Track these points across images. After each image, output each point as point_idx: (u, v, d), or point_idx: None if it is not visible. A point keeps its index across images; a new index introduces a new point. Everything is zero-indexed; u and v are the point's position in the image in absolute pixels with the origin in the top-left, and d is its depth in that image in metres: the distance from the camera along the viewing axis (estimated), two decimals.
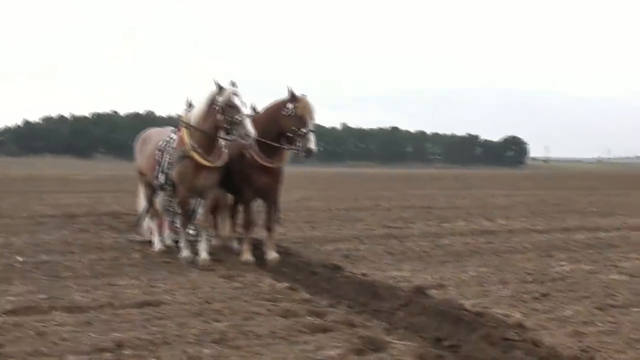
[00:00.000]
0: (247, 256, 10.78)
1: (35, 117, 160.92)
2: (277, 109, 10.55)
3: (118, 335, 6.36)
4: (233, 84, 10.32)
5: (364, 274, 9.60)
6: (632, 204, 25.13)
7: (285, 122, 10.33)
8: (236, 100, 10.11)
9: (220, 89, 10.21)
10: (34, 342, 6.17)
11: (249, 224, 11.08)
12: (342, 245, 12.92)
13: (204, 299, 8.03)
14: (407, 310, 7.41)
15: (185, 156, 10.53)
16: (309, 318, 7.20)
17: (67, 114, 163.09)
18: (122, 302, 7.80)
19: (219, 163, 10.64)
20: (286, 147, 10.56)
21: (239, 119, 9.97)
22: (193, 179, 10.58)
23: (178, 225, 11.87)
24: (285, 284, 9.02)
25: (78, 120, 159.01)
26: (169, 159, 10.91)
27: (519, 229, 15.91)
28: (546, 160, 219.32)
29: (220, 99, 10.14)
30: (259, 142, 10.39)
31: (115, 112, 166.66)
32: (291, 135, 10.32)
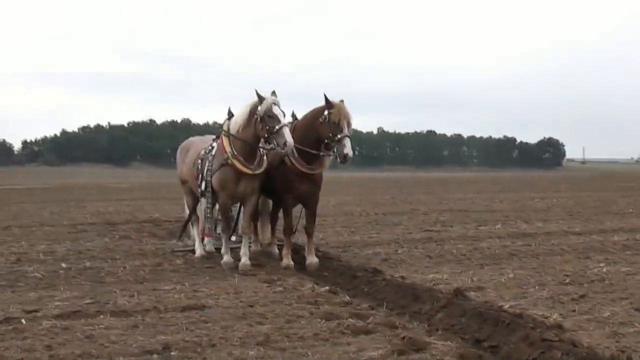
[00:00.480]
0: (288, 261, 10.92)
1: (73, 126, 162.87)
2: (313, 116, 10.70)
3: (164, 338, 6.54)
4: (273, 93, 10.47)
5: (403, 277, 9.67)
6: None
7: (322, 129, 10.45)
8: (275, 110, 10.23)
9: (261, 98, 10.34)
10: (83, 345, 6.37)
11: (289, 230, 11.18)
12: (381, 249, 13.03)
13: (246, 303, 8.18)
14: (446, 312, 7.49)
15: (225, 164, 10.69)
16: (351, 320, 7.31)
17: (104, 123, 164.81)
18: (166, 306, 7.98)
19: (259, 170, 10.77)
20: (322, 153, 10.66)
21: (278, 128, 10.07)
22: (234, 186, 10.75)
23: (219, 232, 12.16)
24: (326, 288, 9.17)
25: (115, 129, 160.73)
26: (209, 166, 11.05)
27: (556, 232, 15.86)
28: (583, 162, 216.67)
29: (260, 108, 10.27)
30: (299, 149, 10.53)
31: (152, 121, 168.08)
32: (328, 141, 10.42)
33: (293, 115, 11.29)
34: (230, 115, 11.29)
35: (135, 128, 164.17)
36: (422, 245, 13.67)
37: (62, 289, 9.14)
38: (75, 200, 28.62)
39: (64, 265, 11.03)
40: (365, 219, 19.29)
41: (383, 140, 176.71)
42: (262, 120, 10.24)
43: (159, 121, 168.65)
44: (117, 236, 15.17)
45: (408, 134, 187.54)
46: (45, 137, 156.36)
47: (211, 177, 11.01)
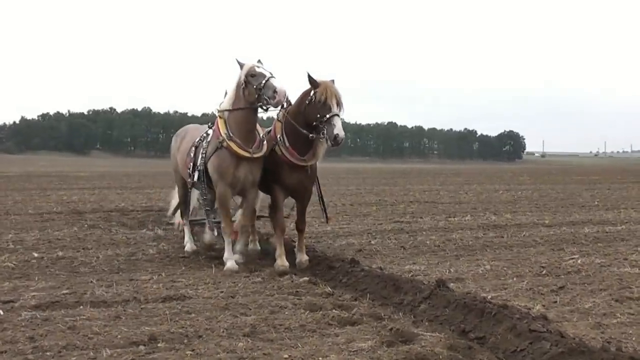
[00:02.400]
0: (283, 262, 9.92)
1: (32, 114, 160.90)
2: (301, 99, 9.92)
3: (149, 329, 6.44)
4: (259, 61, 9.87)
5: (381, 268, 9.62)
6: (634, 198, 25.19)
7: (309, 111, 9.67)
8: (259, 69, 9.63)
9: (241, 64, 9.80)
10: (66, 336, 6.23)
11: (280, 225, 10.35)
12: (354, 240, 13.01)
13: (227, 294, 8.11)
14: (430, 303, 7.47)
15: (221, 147, 9.86)
16: (335, 311, 7.27)
17: (64, 111, 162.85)
18: (146, 296, 7.88)
19: (259, 154, 9.92)
20: (310, 135, 9.71)
21: (264, 81, 9.44)
22: (231, 172, 9.81)
23: (209, 225, 11.01)
24: (305, 278, 9.10)
25: (75, 117, 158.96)
26: (204, 153, 10.20)
27: (526, 223, 15.99)
28: (543, 155, 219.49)
29: (242, 73, 9.72)
30: (289, 138, 9.98)
31: (112, 109, 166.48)
32: (317, 123, 9.58)
33: (287, 101, 10.16)
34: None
35: (96, 116, 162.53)
36: (395, 236, 13.68)
37: (36, 279, 8.98)
38: (37, 189, 28.11)
39: (35, 254, 10.80)
40: (333, 210, 19.23)
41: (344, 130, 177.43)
42: (247, 83, 9.62)
43: (119, 109, 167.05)
44: (86, 225, 14.94)
45: (369, 125, 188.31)
46: (4, 124, 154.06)
47: (205, 164, 10.15)
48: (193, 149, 10.62)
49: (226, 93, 10.38)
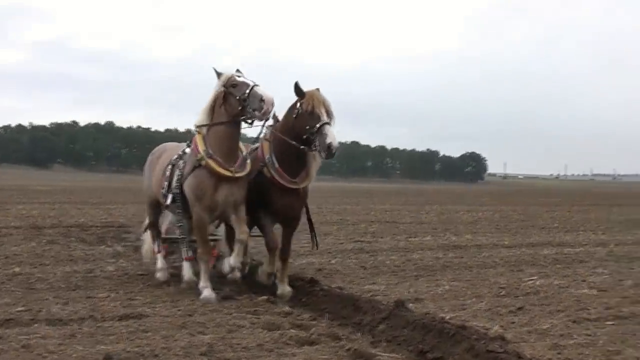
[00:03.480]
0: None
1: None
2: (288, 113, 9.17)
3: (105, 347, 6.33)
4: (238, 71, 9.04)
5: (340, 288, 9.64)
6: (593, 220, 25.64)
7: (298, 124, 8.88)
8: (240, 78, 8.79)
9: (219, 74, 8.98)
10: (20, 355, 6.12)
11: (273, 245, 9.50)
12: (314, 259, 12.96)
13: (185, 312, 8.03)
14: (389, 323, 7.46)
15: (199, 165, 8.89)
16: (293, 331, 7.24)
17: (26, 123, 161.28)
18: (103, 314, 7.76)
19: (241, 173, 8.96)
20: (302, 147, 8.88)
21: (248, 91, 8.55)
22: (210, 193, 8.82)
23: (185, 254, 9.91)
24: (264, 297, 9.04)
25: (37, 130, 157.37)
26: (180, 173, 9.25)
27: (486, 244, 16.14)
28: (504, 177, 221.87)
29: (219, 83, 8.90)
30: (279, 158, 9.15)
31: (75, 123, 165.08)
32: (308, 136, 8.79)
33: (274, 117, 9.40)
34: None
35: (58, 129, 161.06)
36: (355, 255, 13.69)
37: None
38: None
39: None
40: None
41: None
42: (227, 95, 8.78)
43: (82, 123, 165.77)
44: (45, 241, 14.72)
45: None
46: None
47: (181, 186, 9.19)
48: (169, 167, 9.58)
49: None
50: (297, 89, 8.95)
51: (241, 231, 9.03)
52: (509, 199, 48.91)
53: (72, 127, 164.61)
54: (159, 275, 10.23)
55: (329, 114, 8.86)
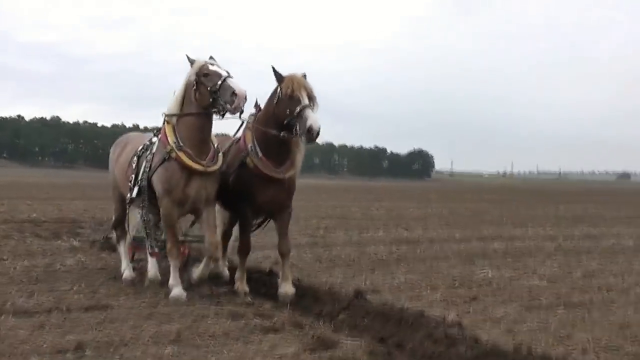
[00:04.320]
0: (242, 287, 9.04)
1: None
2: (269, 100, 8.79)
3: (75, 337, 6.46)
4: (211, 58, 8.65)
5: (299, 280, 9.81)
6: (540, 216, 26.36)
7: (278, 110, 8.49)
8: (212, 67, 8.39)
9: (191, 61, 8.56)
10: None
11: (245, 249, 9.22)
12: (270, 252, 13.01)
13: (149, 304, 8.16)
14: (349, 312, 7.75)
15: (168, 157, 8.50)
16: (257, 320, 7.46)
17: None
18: (68, 306, 7.84)
19: (213, 167, 8.63)
20: (282, 134, 8.44)
21: (220, 82, 8.17)
22: (181, 187, 8.47)
23: (150, 250, 9.43)
24: (225, 289, 9.21)
25: None
26: (147, 166, 8.82)
27: (437, 238, 16.54)
28: (451, 174, 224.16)
29: (191, 72, 8.49)
30: (262, 148, 8.75)
31: (20, 117, 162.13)
32: (288, 121, 8.38)
33: (256, 105, 9.13)
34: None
35: (3, 124, 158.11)
36: (310, 249, 13.88)
37: None
38: None
39: None
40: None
41: None
42: (199, 84, 8.37)
43: (27, 117, 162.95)
44: None
45: None
46: None
47: (148, 178, 8.78)
48: (135, 159, 9.15)
49: (174, 93, 9.01)
50: (276, 74, 8.60)
51: (211, 243, 8.78)
52: (456, 196, 49.68)
53: (17, 122, 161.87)
54: (125, 275, 9.77)
55: (311, 97, 8.41)
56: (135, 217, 9.75)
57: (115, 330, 6.82)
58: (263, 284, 9.63)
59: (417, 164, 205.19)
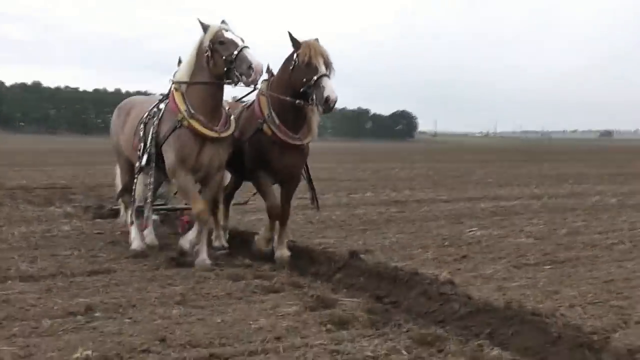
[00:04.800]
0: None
1: None
2: (284, 66, 8.67)
3: (83, 300, 6.66)
4: (223, 22, 8.37)
5: (293, 241, 9.99)
6: (525, 175, 26.67)
7: (294, 77, 8.38)
8: (228, 34, 8.12)
9: (205, 27, 8.26)
10: (3, 308, 6.39)
11: (275, 210, 9.05)
12: (262, 215, 13.12)
13: (151, 267, 8.40)
14: (345, 272, 8.03)
15: (180, 126, 8.32)
16: (257, 281, 7.71)
17: None
18: (72, 271, 8.03)
19: (226, 133, 8.47)
20: (297, 101, 8.38)
21: (236, 52, 7.93)
22: (196, 155, 8.32)
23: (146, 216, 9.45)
24: (223, 251, 9.49)
25: None
26: (154, 133, 8.63)
27: (425, 199, 16.80)
28: (434, 135, 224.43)
29: (206, 39, 8.20)
30: (278, 114, 8.66)
31: (1, 83, 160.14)
32: (305, 89, 8.30)
33: (269, 71, 8.97)
34: (180, 64, 9.00)
35: None
36: (301, 212, 13.96)
37: None
38: None
39: None
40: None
41: None
42: (213, 52, 8.10)
43: (8, 83, 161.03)
44: None
45: None
46: None
47: (156, 148, 8.61)
48: (142, 126, 8.93)
49: (180, 61, 9.00)
50: (293, 40, 8.47)
51: (203, 209, 8.52)
52: (440, 157, 50.01)
53: None
54: (134, 245, 9.48)
55: (328, 65, 8.30)
56: (141, 185, 9.44)
57: (122, 292, 7.04)
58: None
59: (401, 124, 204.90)
